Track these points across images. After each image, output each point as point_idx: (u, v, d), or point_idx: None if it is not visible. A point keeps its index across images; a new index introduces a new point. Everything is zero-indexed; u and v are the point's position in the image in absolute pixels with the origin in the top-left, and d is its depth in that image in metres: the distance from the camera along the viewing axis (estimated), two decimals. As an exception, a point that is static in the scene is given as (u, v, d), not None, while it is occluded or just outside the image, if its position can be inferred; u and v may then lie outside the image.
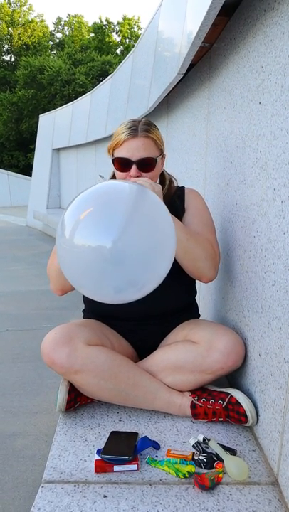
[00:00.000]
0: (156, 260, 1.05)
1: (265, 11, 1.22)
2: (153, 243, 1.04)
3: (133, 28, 33.64)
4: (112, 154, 1.45)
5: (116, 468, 1.16)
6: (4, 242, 8.09)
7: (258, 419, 1.30)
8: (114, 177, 1.55)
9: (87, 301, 1.61)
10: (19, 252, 6.99)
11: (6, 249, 7.24)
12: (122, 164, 1.40)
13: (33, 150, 11.57)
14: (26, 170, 23.58)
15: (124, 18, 33.51)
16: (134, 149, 1.39)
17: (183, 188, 1.62)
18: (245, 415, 1.29)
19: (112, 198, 1.06)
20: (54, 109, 10.02)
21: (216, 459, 1.18)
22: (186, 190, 1.60)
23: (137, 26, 33.77)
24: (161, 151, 1.47)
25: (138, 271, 1.04)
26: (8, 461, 1.96)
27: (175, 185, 1.64)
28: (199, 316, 1.68)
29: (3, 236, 8.81)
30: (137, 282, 1.06)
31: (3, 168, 18.71)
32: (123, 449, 1.19)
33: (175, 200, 1.56)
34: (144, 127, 1.41)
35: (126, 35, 33.35)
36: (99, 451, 1.19)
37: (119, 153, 1.41)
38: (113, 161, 1.43)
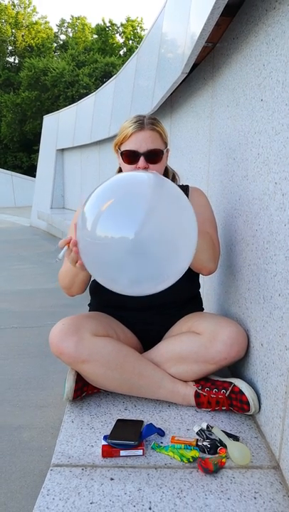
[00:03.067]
0: (178, 249, 1.08)
1: (266, 11, 1.26)
2: (176, 232, 1.07)
3: (136, 29, 33.74)
4: (119, 149, 1.49)
5: (122, 453, 1.19)
6: (9, 241, 8.16)
7: (260, 407, 1.33)
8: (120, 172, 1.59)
9: (93, 292, 1.65)
10: (24, 251, 7.04)
11: (11, 249, 7.29)
12: (130, 156, 1.44)
13: (37, 151, 11.67)
14: (30, 171, 23.70)
15: (128, 20, 33.62)
16: (142, 141, 1.43)
17: (187, 186, 1.66)
18: (248, 403, 1.32)
19: (133, 189, 1.09)
20: (57, 110, 10.09)
21: (219, 444, 1.21)
22: (191, 189, 1.64)
23: (140, 28, 33.88)
24: (166, 145, 1.51)
25: (160, 263, 1.06)
26: (16, 452, 2.00)
27: (178, 182, 1.68)
28: (203, 309, 1.72)
29: (8, 236, 8.87)
30: (157, 276, 1.09)
31: (7, 169, 18.80)
32: (129, 435, 1.23)
33: None
34: (150, 121, 1.46)
35: (129, 36, 33.46)
36: (106, 437, 1.23)
37: (127, 146, 1.45)
38: (121, 154, 1.47)
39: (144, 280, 1.09)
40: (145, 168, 1.42)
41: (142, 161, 1.42)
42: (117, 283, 1.12)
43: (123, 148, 1.46)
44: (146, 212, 1.03)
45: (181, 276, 1.13)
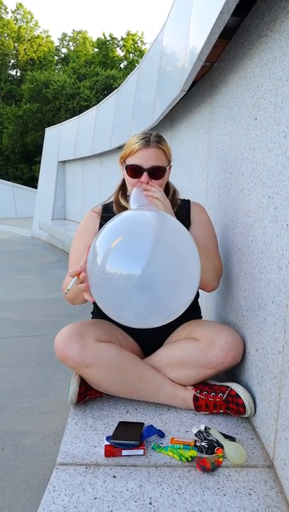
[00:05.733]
0: (183, 285, 1.16)
1: (259, 37, 1.35)
2: (180, 268, 1.15)
3: (137, 43, 34.24)
4: (124, 162, 1.57)
5: (124, 452, 1.25)
6: (10, 252, 8.24)
7: (255, 410, 1.39)
8: (123, 184, 1.67)
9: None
10: (25, 262, 7.11)
11: (13, 259, 7.37)
12: (135, 171, 1.52)
13: (38, 162, 11.80)
14: (31, 182, 23.88)
15: (128, 34, 34.14)
16: (147, 158, 1.51)
17: (188, 201, 1.73)
18: (244, 406, 1.39)
19: (139, 228, 1.19)
20: (59, 122, 10.24)
21: (216, 445, 1.28)
22: (192, 204, 1.72)
23: (141, 41, 34.40)
24: (169, 162, 1.60)
25: (166, 298, 1.14)
26: (19, 458, 2.05)
27: (178, 197, 1.75)
28: (201, 317, 1.79)
29: (9, 246, 8.95)
30: (163, 311, 1.17)
31: (8, 180, 18.95)
32: (131, 435, 1.29)
33: (181, 211, 1.67)
34: (156, 139, 1.54)
35: (130, 50, 33.95)
36: (108, 438, 1.29)
37: (132, 161, 1.53)
38: (126, 168, 1.56)
39: (150, 315, 1.18)
40: (148, 183, 1.50)
41: (145, 176, 1.51)
42: (123, 316, 1.20)
43: (128, 162, 1.54)
44: (152, 250, 1.13)
45: (186, 309, 1.21)
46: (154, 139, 1.54)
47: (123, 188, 1.69)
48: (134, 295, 1.12)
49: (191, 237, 1.22)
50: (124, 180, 1.65)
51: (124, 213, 1.26)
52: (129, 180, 1.57)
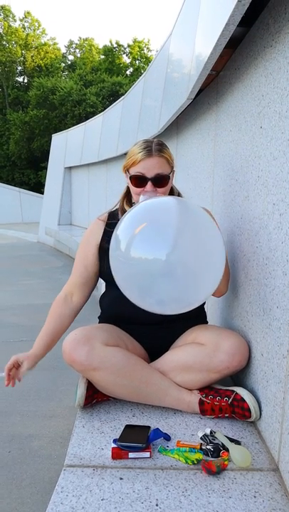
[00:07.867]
0: (206, 272, 1.17)
1: (264, 47, 1.38)
2: (204, 253, 1.16)
3: (143, 50, 34.45)
4: (128, 171, 1.60)
5: (131, 455, 1.27)
6: (17, 257, 8.29)
7: (260, 414, 1.41)
8: (127, 191, 1.70)
9: (103, 306, 1.74)
10: (32, 267, 7.17)
11: (19, 264, 7.42)
12: (139, 180, 1.55)
13: (44, 168, 11.89)
14: (37, 187, 24.05)
15: (134, 41, 34.36)
16: (150, 167, 1.54)
17: None
18: (249, 410, 1.40)
19: (162, 213, 1.20)
20: (65, 128, 10.33)
21: (222, 448, 1.29)
22: None
23: (147, 48, 34.61)
24: (172, 168, 1.62)
25: (188, 286, 1.16)
26: (26, 460, 2.07)
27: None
28: (207, 322, 1.80)
29: (15, 251, 9.02)
30: (183, 299, 1.19)
31: (14, 186, 19.08)
32: (137, 438, 1.31)
33: None
34: (158, 147, 1.56)
35: (136, 57, 34.17)
36: (115, 441, 1.31)
37: (135, 170, 1.56)
38: (130, 178, 1.58)
39: (169, 301, 1.19)
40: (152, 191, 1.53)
41: (149, 185, 1.54)
42: (144, 300, 1.22)
43: (132, 172, 1.57)
44: (176, 235, 1.14)
45: (204, 301, 1.22)
46: (155, 147, 1.56)
47: (128, 196, 1.72)
48: (156, 280, 1.14)
49: (218, 230, 1.24)
50: (128, 187, 1.68)
51: (146, 201, 1.27)
52: (133, 190, 1.59)
